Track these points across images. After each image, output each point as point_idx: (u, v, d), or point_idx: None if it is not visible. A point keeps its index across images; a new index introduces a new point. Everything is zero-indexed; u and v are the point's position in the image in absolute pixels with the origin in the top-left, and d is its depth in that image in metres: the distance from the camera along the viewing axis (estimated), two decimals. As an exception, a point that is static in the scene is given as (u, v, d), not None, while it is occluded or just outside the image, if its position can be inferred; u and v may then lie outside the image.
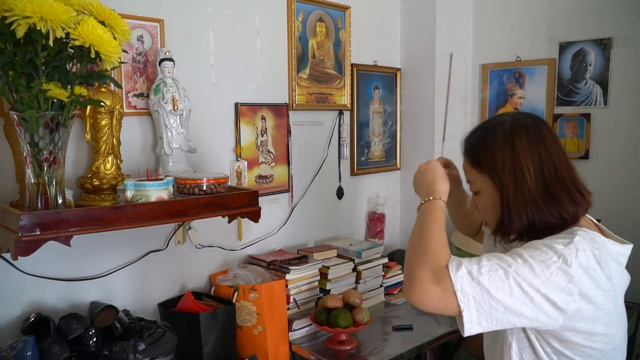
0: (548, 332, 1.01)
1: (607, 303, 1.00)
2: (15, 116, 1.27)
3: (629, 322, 2.14)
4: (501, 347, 1.10)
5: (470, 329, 0.96)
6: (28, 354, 1.36)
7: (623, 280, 1.07)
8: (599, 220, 1.18)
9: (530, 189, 1.06)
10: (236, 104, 2.03)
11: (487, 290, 0.94)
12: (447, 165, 1.36)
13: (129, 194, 1.46)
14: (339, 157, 2.48)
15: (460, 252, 2.30)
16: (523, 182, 1.06)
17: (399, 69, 2.72)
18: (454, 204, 1.47)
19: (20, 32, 1.14)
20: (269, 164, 2.18)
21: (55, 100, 1.27)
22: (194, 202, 1.54)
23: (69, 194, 1.45)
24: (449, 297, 0.94)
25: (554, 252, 0.97)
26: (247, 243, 2.14)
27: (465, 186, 1.27)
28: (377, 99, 2.65)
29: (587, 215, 1.15)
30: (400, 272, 2.41)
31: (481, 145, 1.13)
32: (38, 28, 1.14)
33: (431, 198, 1.14)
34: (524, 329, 1.04)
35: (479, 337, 1.13)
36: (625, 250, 1.07)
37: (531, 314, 0.95)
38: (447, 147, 2.68)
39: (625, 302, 2.38)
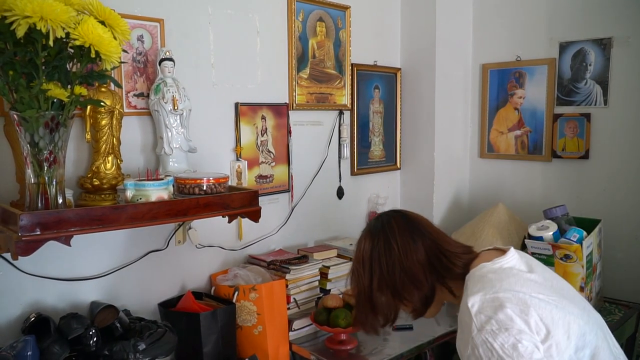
0: None
1: (547, 315, 1.07)
2: (15, 116, 1.27)
3: (629, 322, 2.14)
4: None
5: None
6: (28, 353, 1.36)
7: (537, 280, 1.16)
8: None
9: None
10: (236, 104, 2.03)
11: None
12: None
13: (129, 193, 1.46)
14: (339, 157, 2.48)
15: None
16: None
17: (399, 69, 2.72)
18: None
19: (20, 32, 1.14)
20: (269, 164, 2.18)
21: (55, 100, 1.27)
22: (194, 202, 1.54)
23: (69, 194, 1.45)
24: None
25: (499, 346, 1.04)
26: (247, 243, 2.14)
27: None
28: (377, 99, 2.65)
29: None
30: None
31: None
32: (38, 28, 1.14)
33: None
34: None
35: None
36: (509, 257, 1.20)
37: None
38: (444, 150, 2.69)
39: (626, 301, 2.37)
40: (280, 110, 2.20)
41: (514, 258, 1.21)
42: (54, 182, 1.32)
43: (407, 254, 1.26)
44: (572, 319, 1.09)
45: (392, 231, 1.29)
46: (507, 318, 1.05)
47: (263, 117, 2.13)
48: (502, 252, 1.24)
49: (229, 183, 1.71)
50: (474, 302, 1.09)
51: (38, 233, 1.26)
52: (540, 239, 1.99)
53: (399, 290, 1.27)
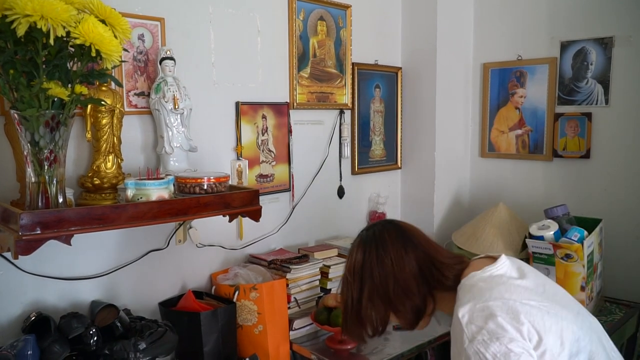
0: None
1: (539, 321, 1.07)
2: (15, 115, 1.27)
3: (630, 322, 2.14)
4: None
5: None
6: (29, 353, 1.36)
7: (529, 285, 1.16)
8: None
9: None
10: (237, 103, 2.03)
11: None
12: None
13: (130, 193, 1.46)
14: (340, 156, 2.48)
15: (460, 251, 2.30)
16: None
17: (400, 68, 2.72)
18: None
19: (20, 31, 1.14)
20: (270, 163, 2.18)
21: (55, 99, 1.27)
22: (195, 201, 1.54)
23: (69, 193, 1.45)
24: None
25: (494, 348, 1.04)
26: (248, 242, 2.13)
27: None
28: (378, 98, 2.64)
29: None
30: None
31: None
32: (39, 27, 1.14)
33: None
34: None
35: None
36: (500, 265, 1.21)
37: None
38: (445, 150, 2.69)
39: (627, 301, 2.37)
40: (281, 110, 2.19)
41: (504, 265, 1.21)
42: (55, 181, 1.32)
43: (399, 265, 1.25)
44: (565, 324, 1.08)
45: (384, 242, 1.28)
46: (498, 327, 1.04)
47: (264, 116, 2.13)
48: (493, 259, 1.24)
49: (230, 182, 1.71)
50: (464, 312, 1.09)
51: (38, 232, 1.26)
52: (541, 238, 1.99)
53: (391, 301, 1.26)
